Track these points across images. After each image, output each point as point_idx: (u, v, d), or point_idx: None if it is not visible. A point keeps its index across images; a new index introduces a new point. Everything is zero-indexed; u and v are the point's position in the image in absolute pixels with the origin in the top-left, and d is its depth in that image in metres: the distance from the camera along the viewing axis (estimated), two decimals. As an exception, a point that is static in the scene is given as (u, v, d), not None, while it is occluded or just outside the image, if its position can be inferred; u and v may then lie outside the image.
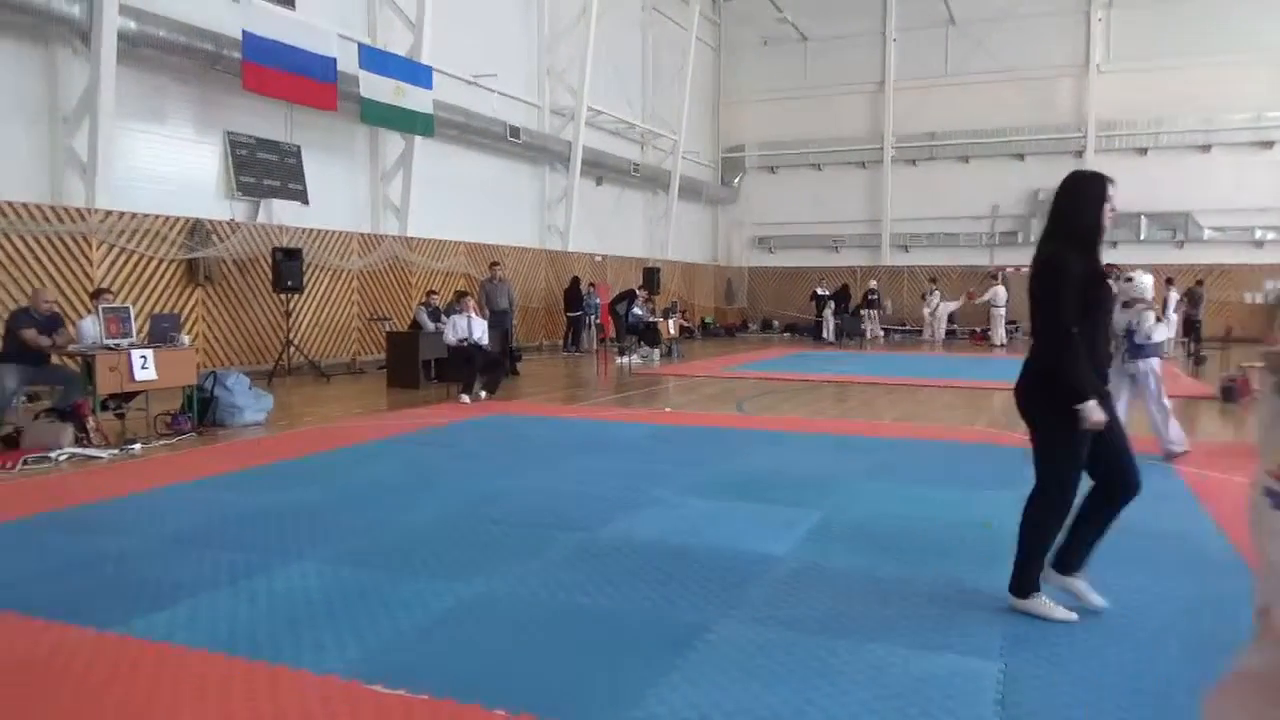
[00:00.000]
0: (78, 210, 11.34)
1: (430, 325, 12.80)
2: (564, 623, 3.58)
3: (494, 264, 15.22)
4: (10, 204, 10.63)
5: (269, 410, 9.09)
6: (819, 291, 24.41)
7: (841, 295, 24.24)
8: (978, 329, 23.83)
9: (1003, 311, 22.45)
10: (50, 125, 11.55)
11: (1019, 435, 7.69)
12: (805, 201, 28.09)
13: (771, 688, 3.04)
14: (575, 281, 19.94)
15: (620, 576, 4.10)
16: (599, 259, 22.60)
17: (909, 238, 26.81)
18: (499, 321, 14.08)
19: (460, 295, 12.61)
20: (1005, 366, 15.12)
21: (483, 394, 10.78)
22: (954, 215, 26.25)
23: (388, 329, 14.83)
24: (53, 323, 8.10)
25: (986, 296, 22.64)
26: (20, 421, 7.65)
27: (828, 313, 23.76)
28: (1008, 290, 22.96)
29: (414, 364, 12.35)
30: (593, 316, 19.80)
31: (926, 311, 23.80)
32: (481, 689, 3.02)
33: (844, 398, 11.31)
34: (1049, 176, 24.92)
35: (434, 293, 13.96)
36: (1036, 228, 25.28)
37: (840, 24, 27.19)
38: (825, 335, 23.53)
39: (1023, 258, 25.15)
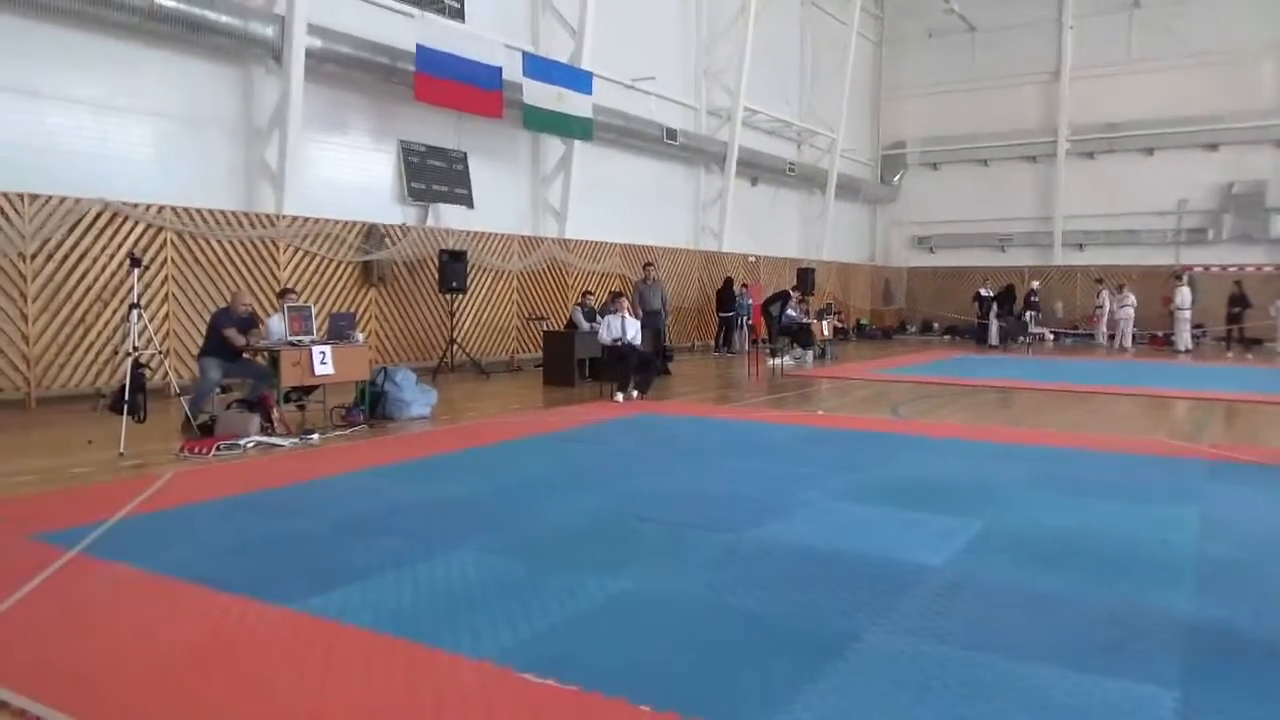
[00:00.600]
0: (268, 216, 12.26)
1: (585, 325, 13.05)
2: (711, 623, 3.56)
3: (648, 265, 15.37)
4: (211, 211, 11.64)
5: (433, 405, 9.50)
6: (982, 292, 23.30)
7: (1006, 296, 23.03)
8: (1159, 333, 22.12)
9: (1188, 315, 20.76)
10: (246, 138, 12.57)
11: (1205, 447, 7.27)
12: (969, 198, 26.94)
13: (923, 701, 2.94)
14: (728, 282, 19.90)
15: (769, 579, 4.05)
16: (752, 259, 22.47)
17: (1083, 235, 25.24)
18: (652, 322, 14.20)
19: (615, 296, 12.81)
20: (1190, 374, 14.08)
21: (635, 393, 10.89)
22: (1135, 211, 24.48)
23: (544, 328, 15.18)
24: (249, 322, 8.77)
25: (1175, 300, 21.00)
26: (215, 411, 8.35)
27: (992, 315, 22.63)
28: (1194, 292, 21.26)
29: (569, 363, 12.61)
30: (745, 317, 19.70)
31: (1098, 313, 22.30)
32: (628, 683, 3.03)
33: (1007, 404, 10.87)
34: (1245, 168, 23.06)
35: (589, 293, 14.23)
36: (1229, 224, 23.31)
37: (1011, 13, 25.91)
38: (989, 339, 22.41)
39: (1212, 256, 23.49)
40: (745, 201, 22.63)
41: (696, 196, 21.51)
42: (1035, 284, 23.50)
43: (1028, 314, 22.37)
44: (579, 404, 10.61)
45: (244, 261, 11.99)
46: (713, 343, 20.01)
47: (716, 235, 21.64)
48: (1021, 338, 22.13)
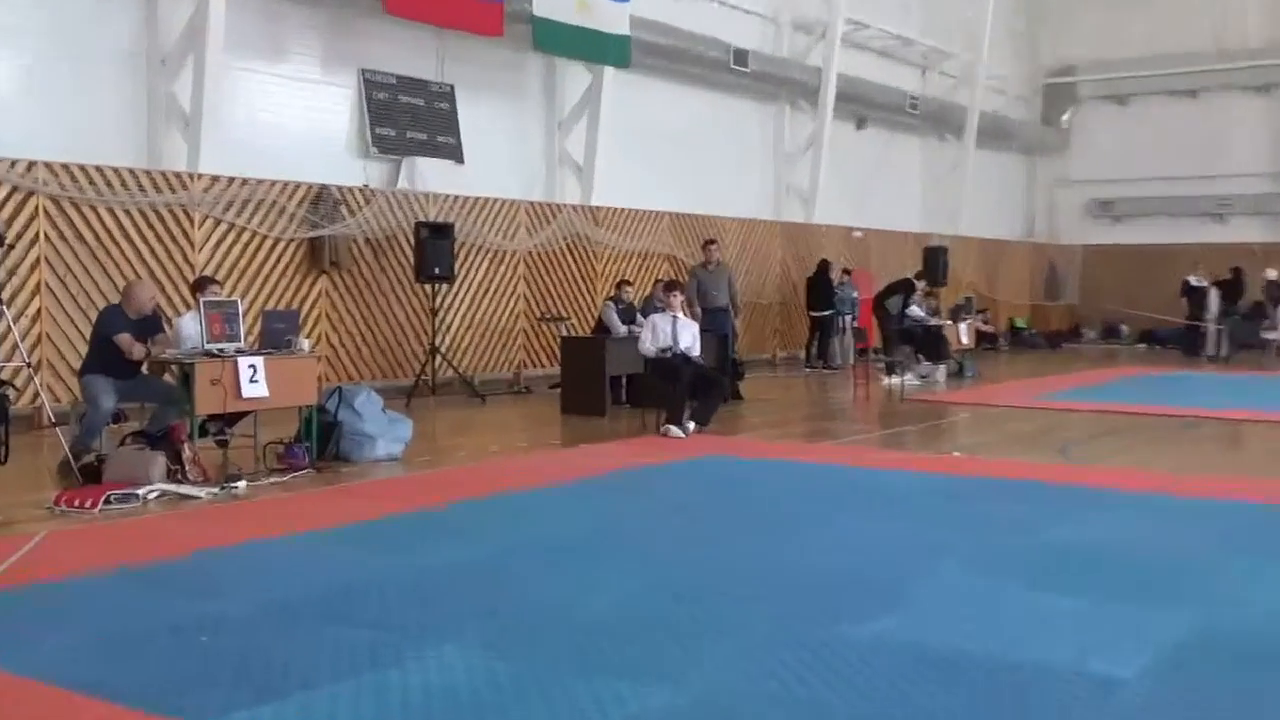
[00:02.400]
0: (178, 176, 12.51)
1: (621, 328, 13.11)
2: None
3: (709, 243, 15.40)
4: (100, 169, 11.87)
5: (407, 441, 9.59)
6: (1193, 281, 22.63)
7: (1231, 286, 22.44)
8: None
9: None
10: (147, 69, 12.84)
11: None
12: (1172, 146, 26.28)
13: None
14: (824, 267, 19.82)
15: (876, 691, 3.99)
16: (858, 235, 22.37)
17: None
18: (716, 323, 14.21)
19: (665, 287, 12.84)
20: None
21: (692, 425, 10.90)
22: None
23: (564, 333, 15.37)
24: (152, 324, 8.92)
25: None
26: (104, 448, 8.47)
27: (1208, 313, 21.97)
28: None
29: (598, 382, 12.68)
30: (848, 317, 19.65)
31: None
32: None
33: (1235, 443, 10.77)
34: None
35: (627, 283, 14.31)
36: None
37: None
38: (1205, 348, 21.80)
39: None
40: (847, 152, 22.51)
41: (777, 145, 21.52)
42: (1272, 273, 22.76)
43: (1274, 312, 21.72)
44: (613, 440, 10.71)
45: (145, 239, 12.24)
46: (802, 353, 20.04)
47: (806, 200, 21.61)
48: (1258, 347, 21.59)
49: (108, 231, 11.93)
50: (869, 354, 17.96)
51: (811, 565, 5.79)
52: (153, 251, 12.26)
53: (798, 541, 6.35)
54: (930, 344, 17.24)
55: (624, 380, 13.50)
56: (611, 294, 14.35)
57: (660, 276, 17.08)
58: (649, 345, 11.47)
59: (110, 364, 8.61)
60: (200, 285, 9.62)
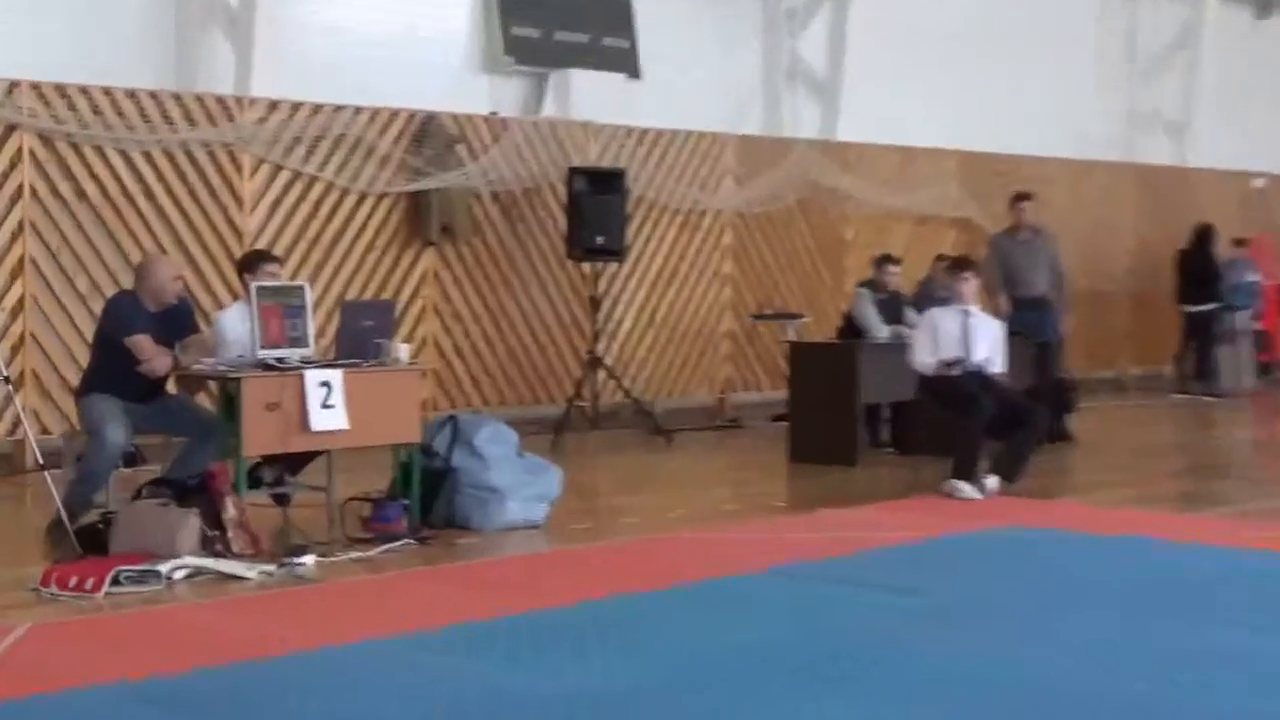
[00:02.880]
0: (220, 102, 12.95)
1: (883, 330, 12.93)
2: None
3: (1021, 198, 15.03)
4: (110, 92, 12.32)
5: (553, 500, 9.67)
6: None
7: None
8: None
9: None
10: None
11: None
12: None
13: None
14: (1204, 236, 19.17)
15: None
16: (1259, 185, 21.76)
17: None
18: (1031, 323, 13.88)
19: (954, 265, 12.54)
20: None
21: (991, 480, 10.68)
22: None
23: (792, 336, 15.34)
24: (180, 320, 9.16)
25: None
26: (112, 502, 8.70)
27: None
28: None
29: (847, 413, 12.54)
30: (1243, 313, 18.94)
31: None
32: None
33: None
34: None
35: (892, 260, 14.07)
36: None
37: None
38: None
39: None
40: (1241, 55, 22.15)
41: (1127, 46, 21.21)
42: None
43: None
44: (864, 503, 10.69)
45: (173, 195, 12.66)
46: (1171, 370, 19.51)
47: (1174, 131, 21.33)
48: None
49: (120, 184, 12.34)
50: (1275, 371, 17.35)
51: (1189, 702, 5.62)
52: (183, 213, 12.67)
53: (1162, 662, 6.13)
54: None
55: (886, 410, 13.42)
56: (868, 278, 14.22)
57: (944, 251, 16.85)
58: (926, 357, 11.27)
59: (121, 379, 8.80)
60: (250, 264, 9.79)
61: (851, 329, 13.56)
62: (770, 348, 16.33)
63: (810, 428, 12.84)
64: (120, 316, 8.95)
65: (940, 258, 14.84)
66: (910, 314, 13.08)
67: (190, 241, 12.64)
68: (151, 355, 8.76)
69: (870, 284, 13.65)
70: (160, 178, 12.56)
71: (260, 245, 12.51)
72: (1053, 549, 8.98)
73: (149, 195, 12.49)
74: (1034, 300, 14.15)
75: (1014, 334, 12.22)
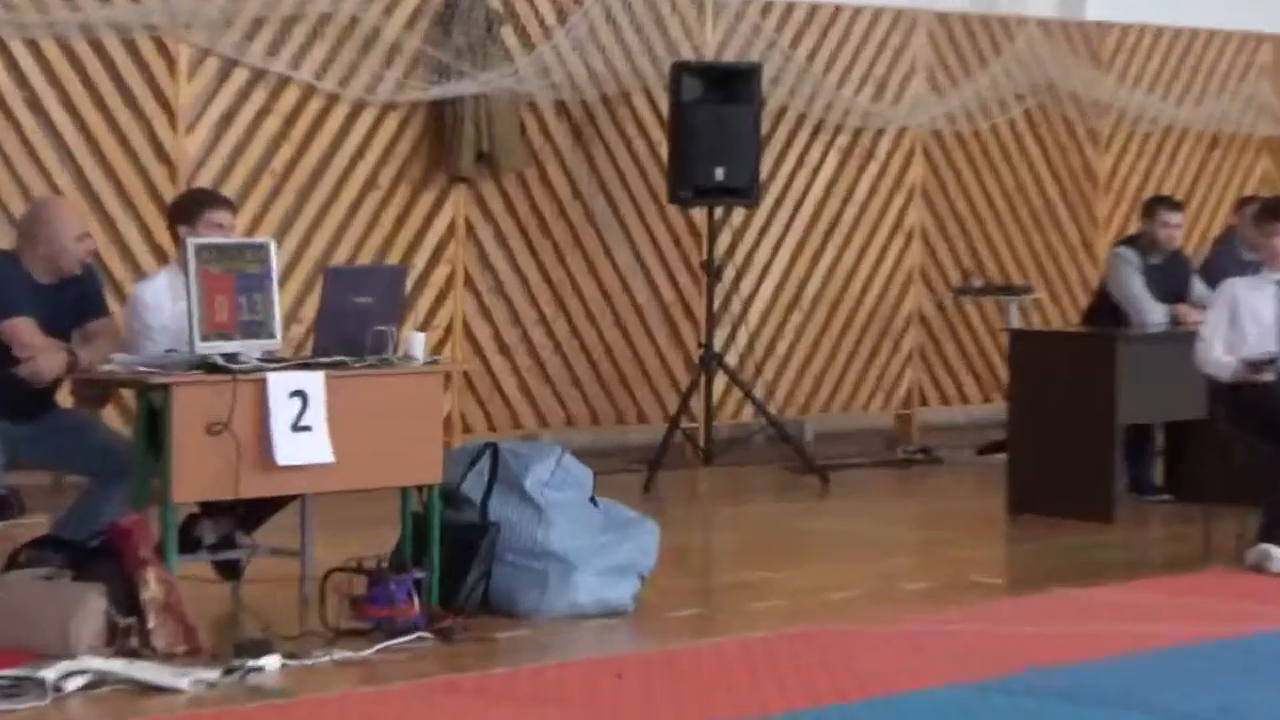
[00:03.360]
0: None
1: (1155, 311, 12.82)
2: None
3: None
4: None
5: (645, 573, 9.69)
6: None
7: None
8: None
9: None
10: None
11: None
12: None
13: None
14: None
15: None
16: None
17: None
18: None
19: (1264, 214, 12.42)
20: None
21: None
22: None
23: (1012, 323, 15.46)
24: (78, 297, 9.19)
25: None
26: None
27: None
28: None
29: (1099, 438, 12.44)
30: None
31: None
32: None
33: None
34: None
35: (1170, 204, 13.99)
36: None
37: None
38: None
39: None
40: None
41: None
42: None
43: None
44: (1123, 578, 10.66)
45: (70, 105, 12.74)
46: None
47: None
48: None
49: (-8, 90, 12.57)
50: None
51: None
52: (86, 133, 12.73)
53: None
54: None
55: (1156, 437, 13.42)
56: (1132, 233, 14.09)
57: (1250, 191, 16.72)
58: (1223, 353, 11.19)
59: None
60: (186, 211, 9.70)
61: (1107, 310, 13.46)
62: (980, 340, 16.38)
63: (1041, 463, 12.78)
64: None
65: (1245, 201, 14.72)
66: (1198, 287, 13.02)
67: (97, 177, 12.70)
68: (37, 349, 8.77)
69: (1136, 242, 13.54)
70: (53, 80, 12.62)
71: (204, 179, 12.59)
72: None
73: (35, 105, 12.56)
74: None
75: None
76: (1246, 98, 17.75)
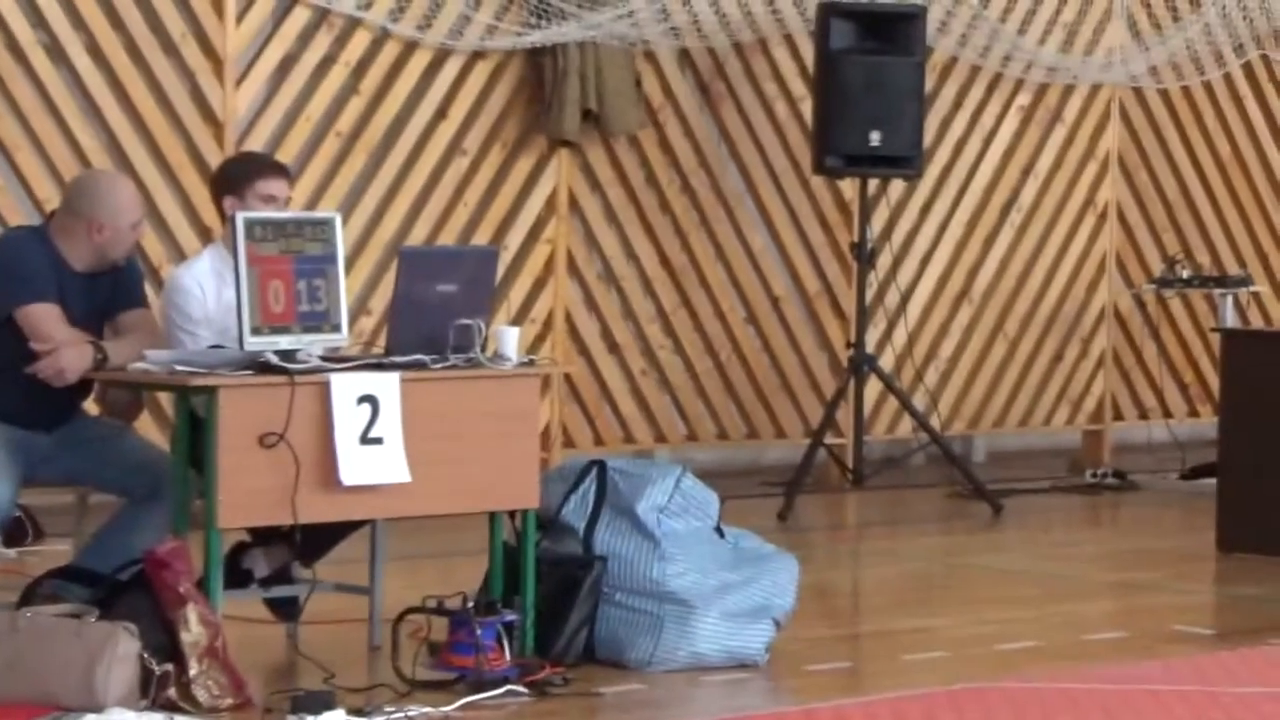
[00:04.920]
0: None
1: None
2: None
3: None
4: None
5: (782, 618, 9.63)
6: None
7: None
8: None
9: None
10: None
11: None
12: None
13: None
14: None
15: None
16: None
17: None
18: None
19: None
20: None
21: None
22: None
23: (1230, 321, 15.38)
24: (114, 288, 9.26)
25: None
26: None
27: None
28: None
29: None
30: None
31: None
32: None
33: None
34: None
35: None
36: None
37: None
38: None
39: None
40: None
41: None
42: None
43: None
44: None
45: (101, 55, 12.82)
46: None
47: None
48: None
49: (8, 37, 12.52)
50: None
51: None
52: (119, 88, 12.85)
53: None
54: None
55: None
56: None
57: None
58: None
59: (4, 388, 8.96)
60: (234, 180, 9.73)
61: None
62: (1188, 342, 16.37)
63: (1259, 491, 12.73)
64: (8, 272, 8.99)
65: None
66: None
67: (129, 138, 12.82)
68: (60, 342, 8.80)
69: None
70: (76, 21, 12.70)
71: (256, 142, 12.71)
72: None
73: (58, 55, 12.68)
74: None
75: None
76: None
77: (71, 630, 8.23)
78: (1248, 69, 16.62)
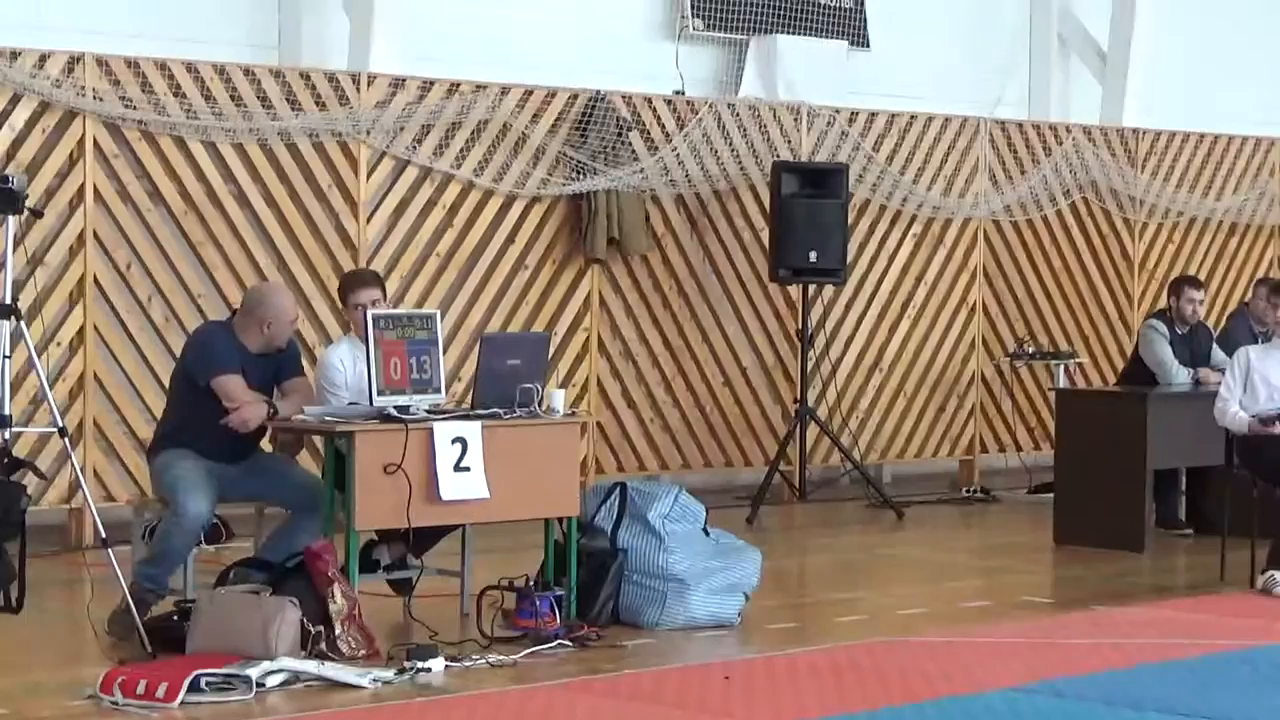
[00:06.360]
0: (332, 80, 13.05)
1: (1181, 374, 12.65)
2: None
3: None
4: (193, 68, 12.44)
5: (750, 591, 9.64)
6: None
7: None
8: None
9: None
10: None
11: None
12: None
13: None
14: None
15: None
16: None
17: None
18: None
19: (1276, 292, 12.39)
20: None
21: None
22: None
23: (1060, 383, 15.38)
24: (278, 365, 9.27)
25: None
26: (190, 588, 8.83)
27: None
28: None
29: (1132, 480, 12.24)
30: None
31: None
32: None
33: None
34: None
35: (1193, 283, 13.73)
36: None
37: None
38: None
39: None
40: None
41: None
42: None
43: None
44: (1152, 599, 10.67)
45: (271, 198, 12.82)
46: None
47: None
48: None
49: (205, 184, 12.48)
50: None
51: None
52: (284, 221, 12.82)
53: None
54: None
55: (1181, 479, 13.25)
56: (1161, 307, 13.98)
57: (1263, 273, 16.60)
58: (1238, 410, 11.10)
59: (205, 434, 8.93)
60: (342, 290, 10.00)
61: (1140, 373, 13.34)
62: (1032, 398, 16.28)
63: (1083, 501, 12.68)
64: (208, 352, 9.05)
65: (1260, 282, 14.61)
66: (1217, 354, 12.94)
67: (293, 258, 12.81)
68: (243, 402, 8.86)
69: (1165, 316, 13.42)
70: (256, 176, 12.69)
71: (381, 261, 12.71)
72: None
73: (242, 199, 12.65)
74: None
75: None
76: (1260, 193, 17.63)
77: (253, 603, 8.35)
78: (1073, 207, 16.57)
